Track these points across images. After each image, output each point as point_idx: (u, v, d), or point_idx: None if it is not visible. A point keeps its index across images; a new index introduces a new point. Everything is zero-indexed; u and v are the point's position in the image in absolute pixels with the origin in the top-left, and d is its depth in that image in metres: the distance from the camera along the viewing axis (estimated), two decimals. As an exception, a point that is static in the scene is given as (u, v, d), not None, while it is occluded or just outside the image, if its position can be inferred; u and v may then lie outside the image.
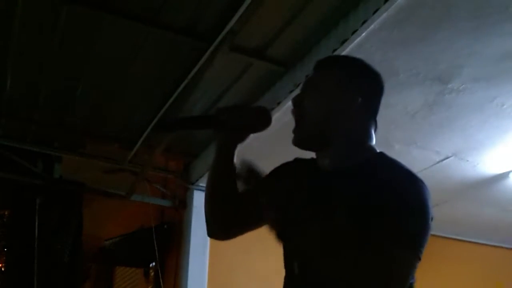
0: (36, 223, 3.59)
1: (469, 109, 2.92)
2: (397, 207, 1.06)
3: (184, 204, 3.99)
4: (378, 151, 1.23)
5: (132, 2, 2.38)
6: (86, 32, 2.57)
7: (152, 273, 4.21)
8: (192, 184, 3.93)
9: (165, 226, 4.10)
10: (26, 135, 3.58)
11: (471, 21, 2.26)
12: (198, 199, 3.92)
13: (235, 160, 1.34)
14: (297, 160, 1.36)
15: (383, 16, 2.18)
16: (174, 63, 2.77)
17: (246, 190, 1.34)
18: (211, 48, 2.55)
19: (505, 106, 2.88)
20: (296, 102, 1.26)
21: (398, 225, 1.05)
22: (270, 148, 3.22)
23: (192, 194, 3.93)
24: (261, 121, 1.29)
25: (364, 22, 2.23)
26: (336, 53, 2.40)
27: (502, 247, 5.09)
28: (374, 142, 1.25)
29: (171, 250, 4.02)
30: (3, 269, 3.76)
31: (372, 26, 2.24)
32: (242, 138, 1.33)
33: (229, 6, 2.33)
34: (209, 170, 1.38)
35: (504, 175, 3.67)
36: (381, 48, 2.45)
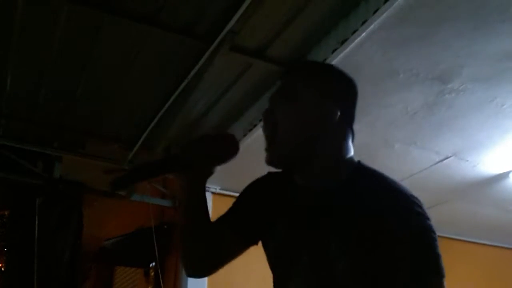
0: (36, 223, 3.59)
1: (469, 109, 2.92)
2: (397, 240, 0.97)
3: (184, 204, 3.99)
4: (356, 161, 1.14)
5: (132, 2, 2.38)
6: (86, 32, 2.57)
7: (152, 273, 4.21)
8: (192, 184, 3.92)
9: (165, 226, 4.10)
10: (26, 135, 3.58)
11: (471, 21, 2.26)
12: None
13: (204, 193, 1.24)
14: (270, 175, 1.26)
15: (383, 16, 2.18)
16: (174, 63, 2.77)
17: (219, 220, 1.25)
18: (211, 48, 2.55)
19: (505, 106, 2.88)
20: (268, 117, 1.15)
21: (406, 260, 0.96)
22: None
23: (192, 194, 3.92)
24: (229, 150, 1.20)
25: (364, 22, 2.23)
26: (336, 53, 2.40)
27: (502, 247, 5.10)
28: (352, 153, 1.15)
29: (171, 250, 4.02)
30: (3, 269, 3.76)
31: (372, 26, 2.24)
32: (210, 172, 1.22)
33: (229, 6, 2.33)
34: (180, 209, 1.27)
35: (504, 175, 3.67)
36: (381, 48, 2.45)
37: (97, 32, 2.55)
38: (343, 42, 2.35)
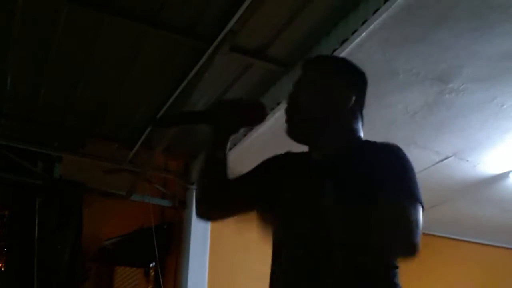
0: (36, 223, 3.59)
1: (469, 109, 2.92)
2: (381, 171, 1.15)
3: (184, 204, 3.99)
4: (363, 139, 1.31)
5: (132, 2, 2.38)
6: (86, 32, 2.57)
7: (152, 273, 4.21)
8: (192, 184, 3.92)
9: (165, 226, 4.09)
10: (26, 135, 3.58)
11: (471, 21, 2.26)
12: (198, 199, 3.92)
13: (227, 150, 1.39)
14: (288, 153, 1.40)
15: (383, 16, 2.18)
16: (174, 63, 2.77)
17: (237, 177, 1.40)
18: (211, 48, 2.55)
19: (505, 106, 2.88)
20: (292, 97, 1.33)
21: (388, 184, 1.13)
22: (270, 148, 3.22)
23: (192, 194, 3.93)
24: (256, 116, 1.33)
25: (364, 22, 2.23)
26: (336, 53, 2.40)
27: (502, 247, 5.09)
28: (362, 134, 1.32)
29: (171, 250, 4.02)
30: (3, 269, 3.77)
31: (372, 26, 2.25)
32: (234, 130, 1.38)
33: (229, 6, 2.33)
34: (203, 159, 1.43)
35: (504, 175, 3.67)
36: (381, 48, 2.45)
37: (97, 32, 2.55)
38: (343, 42, 2.35)
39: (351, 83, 1.33)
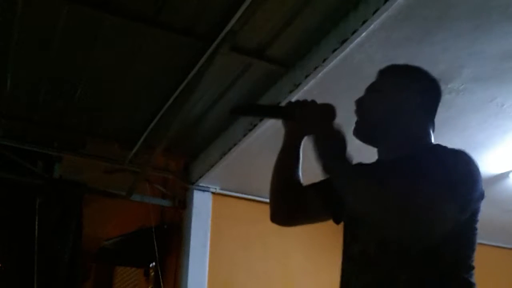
0: (36, 223, 3.59)
1: (469, 109, 2.92)
2: (442, 171, 1.18)
3: (184, 204, 3.99)
4: (433, 143, 1.36)
5: (132, 2, 2.38)
6: (86, 32, 2.57)
7: (152, 273, 4.21)
8: (192, 184, 3.93)
9: (165, 226, 4.10)
10: (26, 135, 3.58)
11: (471, 21, 2.26)
12: (198, 199, 3.92)
13: (300, 150, 1.47)
14: (360, 164, 1.44)
15: (383, 16, 2.18)
16: (174, 63, 2.77)
17: (312, 183, 1.47)
18: (211, 48, 2.55)
19: (505, 106, 2.88)
20: (358, 101, 1.42)
21: (444, 184, 1.15)
22: (270, 148, 3.22)
23: (192, 194, 3.93)
24: (327, 117, 1.39)
25: (364, 22, 2.23)
26: (336, 53, 2.40)
27: (502, 247, 5.09)
28: (432, 140, 1.37)
29: (171, 250, 4.02)
30: (3, 269, 3.76)
31: (372, 26, 2.24)
32: (310, 132, 1.41)
33: (229, 6, 2.33)
34: (276, 157, 1.50)
35: (504, 175, 3.67)
36: (381, 48, 2.45)
37: (97, 32, 2.55)
38: (343, 42, 2.35)
39: (416, 87, 1.38)
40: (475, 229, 1.26)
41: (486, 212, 4.30)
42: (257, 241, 3.92)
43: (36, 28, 2.56)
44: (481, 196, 1.25)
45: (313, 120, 1.39)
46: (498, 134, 3.15)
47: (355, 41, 2.33)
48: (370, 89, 1.43)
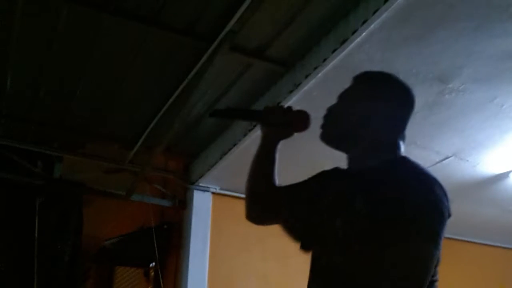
0: (36, 223, 3.59)
1: (469, 109, 2.92)
2: (407, 205, 1.13)
3: (184, 204, 3.99)
4: (401, 156, 1.33)
5: (132, 2, 2.38)
6: (86, 32, 2.57)
7: (152, 273, 4.21)
8: (192, 184, 3.93)
9: (165, 226, 4.09)
10: (26, 135, 3.58)
11: (471, 21, 2.26)
12: (198, 199, 3.92)
13: (277, 154, 1.50)
14: (335, 169, 1.47)
15: (383, 16, 2.18)
16: (174, 63, 2.77)
17: (287, 185, 1.50)
18: (211, 48, 2.55)
19: (505, 106, 2.88)
20: (329, 108, 1.41)
21: (407, 221, 1.12)
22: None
23: (192, 194, 3.93)
24: (302, 122, 1.44)
25: (364, 22, 2.23)
26: (336, 53, 2.40)
27: (502, 247, 5.09)
28: (402, 151, 1.33)
29: (171, 250, 4.02)
30: (3, 269, 3.76)
31: (372, 26, 2.24)
32: (287, 135, 1.49)
33: (229, 6, 2.33)
34: (252, 159, 1.53)
35: (504, 175, 3.67)
36: (381, 48, 2.45)
37: (97, 32, 2.55)
38: (343, 42, 2.35)
39: (388, 97, 1.35)
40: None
41: (486, 212, 4.31)
42: (257, 241, 3.92)
43: (36, 28, 2.56)
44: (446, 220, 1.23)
45: (286, 123, 1.44)
46: (498, 134, 3.15)
47: (355, 41, 2.33)
48: (342, 96, 1.42)
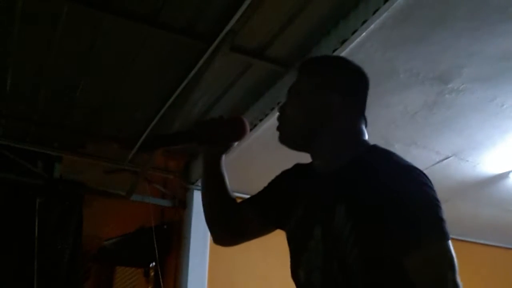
0: (36, 223, 3.59)
1: (469, 109, 2.92)
2: (399, 210, 1.03)
3: (184, 204, 3.99)
4: (371, 144, 1.23)
5: (132, 2, 2.38)
6: (86, 31, 2.57)
7: (152, 273, 4.21)
8: (192, 184, 3.93)
9: (165, 226, 4.09)
10: (26, 135, 3.58)
11: (471, 21, 2.26)
12: (198, 199, 3.92)
13: (223, 169, 1.39)
14: (296, 166, 1.38)
15: (383, 16, 2.18)
16: (174, 63, 2.77)
17: (245, 201, 1.39)
18: (211, 48, 2.55)
19: (505, 106, 2.88)
20: (280, 108, 1.30)
21: (411, 220, 1.02)
22: (270, 148, 3.22)
23: (192, 194, 3.93)
24: (238, 131, 1.34)
25: (364, 22, 2.23)
26: (336, 53, 2.40)
27: (502, 247, 5.09)
28: (366, 137, 1.24)
29: (171, 250, 4.02)
30: (3, 269, 3.76)
31: (372, 26, 2.24)
32: (225, 149, 1.38)
33: (229, 6, 2.33)
34: (201, 183, 1.43)
35: (504, 175, 3.67)
36: (381, 48, 2.45)
37: (97, 32, 2.55)
38: (343, 42, 2.35)
39: (335, 84, 1.24)
40: None
41: (486, 212, 4.31)
42: (257, 241, 3.91)
43: (36, 28, 2.56)
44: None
45: (221, 137, 1.34)
46: (498, 134, 3.15)
47: (355, 41, 2.33)
48: (290, 91, 1.30)
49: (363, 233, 1.06)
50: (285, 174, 1.39)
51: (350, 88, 1.26)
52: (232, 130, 1.34)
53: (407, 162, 1.14)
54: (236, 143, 1.38)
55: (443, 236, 1.03)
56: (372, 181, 1.09)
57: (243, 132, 1.34)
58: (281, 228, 1.33)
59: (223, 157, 1.38)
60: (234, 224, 1.39)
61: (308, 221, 1.20)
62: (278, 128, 1.29)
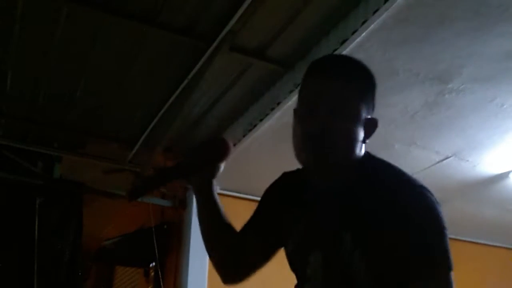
0: (36, 223, 3.59)
1: (469, 109, 2.92)
2: (409, 235, 1.01)
3: (184, 204, 3.99)
4: (370, 154, 1.18)
5: (132, 2, 2.38)
6: (86, 32, 2.57)
7: (152, 273, 4.21)
8: (192, 184, 3.92)
9: (165, 226, 4.10)
10: (26, 135, 3.58)
11: (471, 21, 2.26)
12: (198, 199, 3.92)
13: (215, 195, 1.30)
14: (285, 176, 1.30)
15: (383, 16, 2.18)
16: (174, 63, 2.77)
17: (242, 229, 1.30)
18: (211, 48, 2.55)
19: (505, 106, 2.88)
20: (322, 128, 1.09)
21: (421, 249, 1.01)
22: (270, 148, 3.22)
23: (192, 194, 3.92)
24: (221, 151, 1.29)
25: (364, 22, 2.23)
26: (336, 53, 2.40)
27: (502, 247, 5.09)
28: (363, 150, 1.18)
29: (171, 250, 4.02)
30: (3, 269, 3.76)
31: (372, 26, 2.24)
32: (213, 173, 1.28)
33: (229, 6, 2.33)
34: (198, 217, 1.31)
35: (504, 175, 3.67)
36: (381, 48, 2.45)
37: (97, 32, 2.55)
38: (343, 42, 2.35)
39: (369, 99, 1.17)
40: None
41: (486, 212, 4.30)
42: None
43: (36, 28, 2.56)
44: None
45: (207, 163, 1.27)
46: (498, 134, 3.15)
47: (355, 41, 2.33)
48: (329, 103, 1.11)
49: (374, 261, 1.02)
50: (274, 190, 1.31)
51: (373, 102, 1.18)
52: (215, 152, 1.29)
53: (415, 180, 1.08)
54: (222, 165, 1.30)
55: (451, 267, 1.03)
56: (381, 205, 1.03)
57: (226, 151, 1.29)
58: (284, 246, 1.28)
59: (214, 182, 1.29)
60: (241, 258, 1.30)
61: (306, 246, 1.14)
62: (321, 150, 1.09)
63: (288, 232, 1.21)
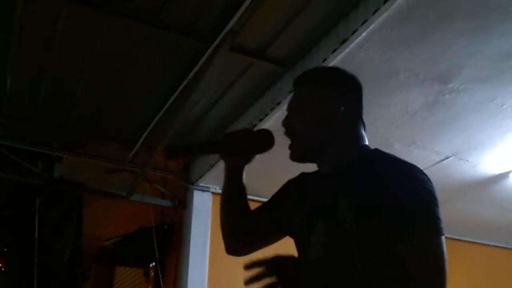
0: (36, 223, 3.59)
1: (469, 109, 2.92)
2: (396, 202, 1.09)
3: (184, 204, 3.99)
4: (372, 148, 1.30)
5: (132, 2, 2.38)
6: (86, 32, 2.57)
7: (152, 273, 4.21)
8: (192, 184, 3.92)
9: (165, 226, 4.10)
10: (26, 135, 3.58)
11: (471, 21, 2.26)
12: (198, 199, 3.92)
13: (244, 180, 1.43)
14: (302, 174, 1.43)
15: (383, 16, 2.18)
16: (174, 63, 2.77)
17: (257, 209, 1.45)
18: (211, 48, 2.55)
19: (505, 106, 2.88)
20: (286, 124, 1.34)
21: (409, 215, 1.07)
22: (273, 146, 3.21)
23: (192, 194, 3.93)
24: (265, 143, 1.38)
25: (364, 22, 2.23)
26: (336, 53, 2.40)
27: (502, 247, 5.09)
28: (366, 141, 1.31)
29: (171, 250, 4.02)
30: (3, 269, 3.76)
31: (372, 26, 2.25)
32: (248, 160, 1.42)
33: (229, 6, 2.33)
34: (221, 192, 1.47)
35: (504, 175, 3.67)
36: (381, 48, 2.45)
37: (97, 32, 2.55)
38: (343, 42, 2.35)
39: (335, 94, 1.30)
40: None
41: (486, 212, 4.29)
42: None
43: (36, 28, 2.56)
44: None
45: (248, 148, 1.38)
46: (498, 134, 3.15)
47: (355, 41, 2.33)
48: (291, 106, 1.35)
49: (364, 224, 1.11)
50: (291, 181, 1.46)
51: (349, 96, 1.32)
52: (259, 142, 1.38)
53: (410, 163, 1.19)
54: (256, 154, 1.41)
55: (437, 230, 1.08)
56: (373, 176, 1.16)
57: (270, 145, 1.38)
58: (289, 233, 1.38)
59: (244, 168, 1.43)
60: (248, 233, 1.45)
61: (312, 217, 1.25)
62: (291, 146, 1.32)
63: (297, 211, 1.33)
